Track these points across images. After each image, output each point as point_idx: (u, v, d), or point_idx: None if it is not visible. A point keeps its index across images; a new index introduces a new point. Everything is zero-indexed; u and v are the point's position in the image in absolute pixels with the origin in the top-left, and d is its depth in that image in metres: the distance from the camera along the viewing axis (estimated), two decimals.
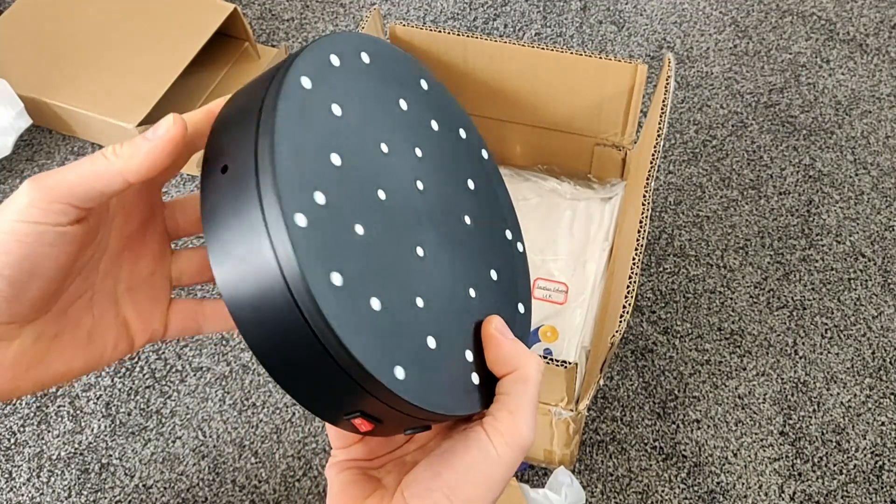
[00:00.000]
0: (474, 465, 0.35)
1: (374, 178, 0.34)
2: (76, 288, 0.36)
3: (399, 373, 0.32)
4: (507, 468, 0.35)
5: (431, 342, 0.34)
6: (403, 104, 0.37)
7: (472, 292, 0.36)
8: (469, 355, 0.35)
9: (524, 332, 0.39)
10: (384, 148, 0.35)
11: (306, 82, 0.34)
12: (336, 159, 0.33)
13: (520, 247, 0.40)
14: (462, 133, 0.40)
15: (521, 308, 0.39)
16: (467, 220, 0.37)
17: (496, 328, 0.37)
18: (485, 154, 0.41)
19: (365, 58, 0.37)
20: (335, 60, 0.35)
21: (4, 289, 0.32)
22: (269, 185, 0.30)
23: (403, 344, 0.33)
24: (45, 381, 0.36)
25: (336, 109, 0.34)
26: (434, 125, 0.39)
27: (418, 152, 0.37)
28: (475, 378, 0.35)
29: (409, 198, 0.35)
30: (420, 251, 0.35)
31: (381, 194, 0.34)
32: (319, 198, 0.32)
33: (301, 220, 0.30)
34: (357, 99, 0.35)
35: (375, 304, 0.32)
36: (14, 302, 0.32)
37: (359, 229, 0.32)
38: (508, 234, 0.40)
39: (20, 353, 0.34)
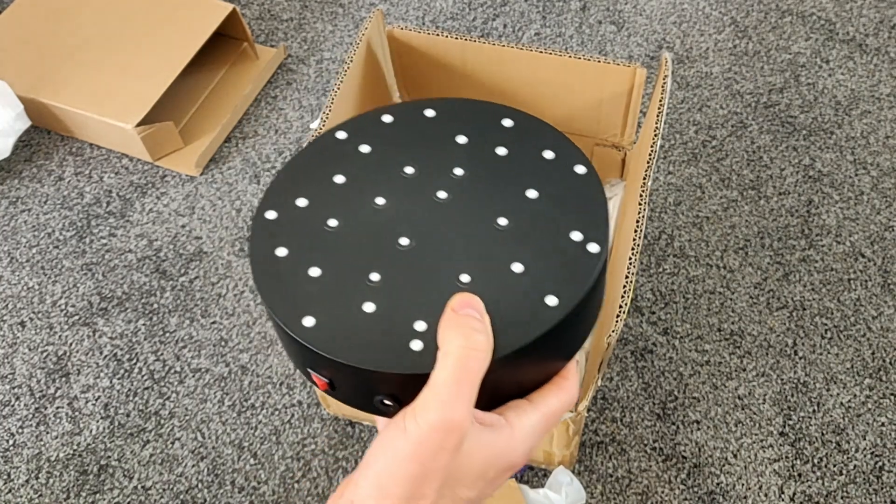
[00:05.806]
0: (382, 441, 0.38)
1: (375, 192, 0.43)
2: None
3: (307, 321, 0.39)
4: (417, 444, 0.36)
5: (369, 307, 0.40)
6: (461, 139, 0.46)
7: (463, 278, 0.41)
8: (420, 325, 0.39)
9: (546, 325, 0.39)
10: (408, 170, 0.45)
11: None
12: (339, 179, 0.44)
13: (593, 248, 0.42)
14: (547, 154, 0.46)
15: (550, 301, 0.40)
16: (501, 221, 0.43)
17: (452, 305, 0.38)
18: (579, 169, 0.45)
19: (428, 112, 0.47)
20: (387, 118, 0.47)
21: None
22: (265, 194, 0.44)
23: (329, 303, 0.40)
24: None
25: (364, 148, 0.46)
26: (500, 151, 0.46)
27: (458, 172, 0.45)
28: (416, 345, 0.38)
29: (420, 205, 0.43)
30: (405, 241, 0.42)
31: (380, 200, 0.43)
32: (301, 202, 0.43)
33: (271, 214, 0.42)
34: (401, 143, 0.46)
35: (314, 272, 0.41)
36: None
37: (332, 223, 0.42)
38: (576, 236, 0.42)
39: None
